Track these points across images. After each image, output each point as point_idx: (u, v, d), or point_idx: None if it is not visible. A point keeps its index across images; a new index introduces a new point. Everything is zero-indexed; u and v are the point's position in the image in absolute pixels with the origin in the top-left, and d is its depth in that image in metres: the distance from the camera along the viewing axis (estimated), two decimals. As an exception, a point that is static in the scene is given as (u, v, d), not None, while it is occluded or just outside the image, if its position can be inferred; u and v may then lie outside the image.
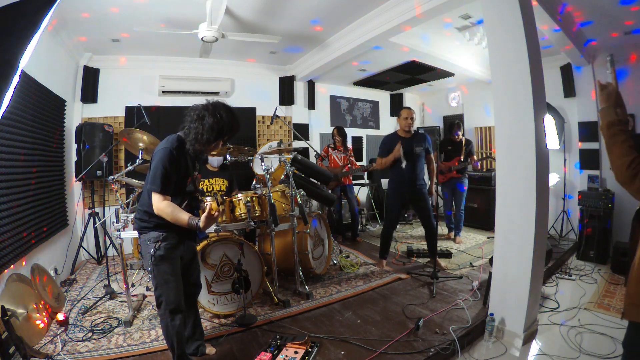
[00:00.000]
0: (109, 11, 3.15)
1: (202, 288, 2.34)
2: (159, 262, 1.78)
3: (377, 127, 6.97)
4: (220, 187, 3.44)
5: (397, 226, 5.63)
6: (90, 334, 2.37)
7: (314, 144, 5.92)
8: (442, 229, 4.79)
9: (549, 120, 4.03)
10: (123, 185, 3.49)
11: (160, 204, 1.69)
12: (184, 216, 1.68)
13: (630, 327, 1.23)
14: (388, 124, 7.08)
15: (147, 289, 3.17)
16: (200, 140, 1.75)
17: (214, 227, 2.53)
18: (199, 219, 1.66)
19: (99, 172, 3.78)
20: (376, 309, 2.74)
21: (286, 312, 2.69)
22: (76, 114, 4.20)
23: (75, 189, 4.08)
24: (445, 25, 3.74)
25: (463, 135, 4.68)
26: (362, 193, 6.27)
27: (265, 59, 5.08)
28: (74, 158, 3.98)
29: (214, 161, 3.48)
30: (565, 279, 3.44)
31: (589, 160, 4.54)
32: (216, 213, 1.63)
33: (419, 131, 3.75)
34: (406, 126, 3.48)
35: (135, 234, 2.91)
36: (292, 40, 4.21)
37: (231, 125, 1.81)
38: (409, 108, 3.57)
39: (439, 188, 4.81)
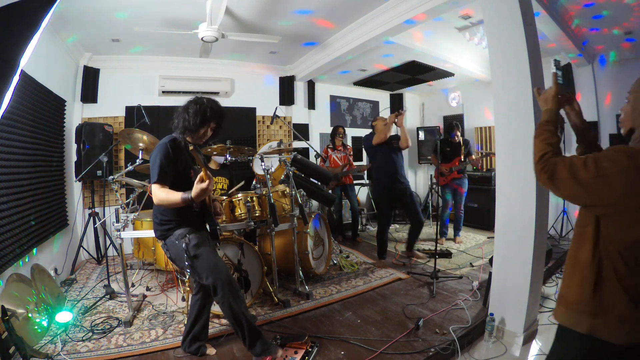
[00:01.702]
0: (108, 11, 3.15)
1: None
2: (197, 250, 1.84)
3: (377, 127, 6.96)
4: (223, 185, 3.44)
5: (397, 226, 5.65)
6: (90, 334, 2.37)
7: (314, 144, 5.92)
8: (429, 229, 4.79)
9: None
10: (123, 186, 3.49)
11: (157, 191, 1.75)
12: (177, 195, 1.72)
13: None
14: (388, 124, 7.07)
15: (147, 289, 3.17)
16: (189, 127, 1.84)
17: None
18: (191, 192, 1.68)
19: (99, 172, 3.78)
20: (376, 309, 2.74)
21: (286, 312, 2.69)
22: (76, 114, 4.20)
23: (75, 189, 4.08)
24: (445, 25, 3.74)
25: (462, 136, 4.70)
26: (362, 193, 6.27)
27: (265, 59, 5.08)
28: (74, 158, 3.98)
29: (219, 159, 3.49)
30: (565, 279, 3.44)
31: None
32: (207, 181, 1.64)
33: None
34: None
35: (136, 233, 2.96)
36: (292, 40, 4.21)
37: (214, 108, 1.88)
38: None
39: (439, 189, 4.81)
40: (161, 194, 1.75)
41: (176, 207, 1.82)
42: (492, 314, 2.38)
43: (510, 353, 2.23)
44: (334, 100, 6.40)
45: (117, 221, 2.60)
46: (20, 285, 2.37)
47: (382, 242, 3.76)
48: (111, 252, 4.08)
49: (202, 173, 1.62)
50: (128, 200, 3.08)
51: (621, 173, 0.91)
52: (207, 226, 2.06)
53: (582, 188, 0.99)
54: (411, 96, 7.16)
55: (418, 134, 6.70)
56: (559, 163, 1.05)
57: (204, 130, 1.90)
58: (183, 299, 2.72)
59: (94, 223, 3.97)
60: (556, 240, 4.60)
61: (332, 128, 4.99)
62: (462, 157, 4.56)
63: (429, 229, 5.54)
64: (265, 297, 2.94)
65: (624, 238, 0.95)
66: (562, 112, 1.32)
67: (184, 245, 1.82)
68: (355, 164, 5.29)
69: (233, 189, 2.88)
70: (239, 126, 5.15)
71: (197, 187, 1.64)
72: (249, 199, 2.76)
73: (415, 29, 3.59)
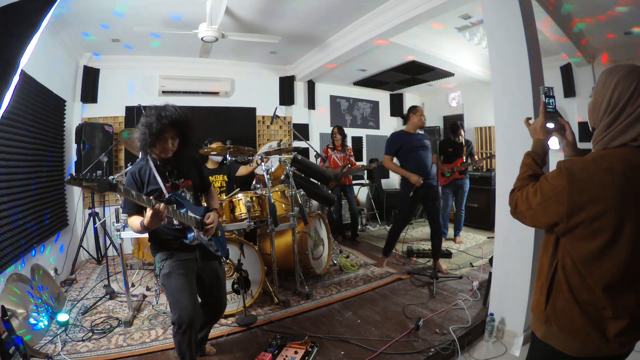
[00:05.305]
0: (108, 11, 3.15)
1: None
2: (165, 280, 1.78)
3: (377, 127, 6.97)
4: (221, 183, 3.44)
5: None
6: (90, 334, 2.38)
7: (314, 144, 5.92)
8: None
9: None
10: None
11: (128, 220, 1.76)
12: (137, 222, 1.68)
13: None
14: (388, 124, 7.08)
15: (147, 288, 3.17)
16: (143, 145, 1.72)
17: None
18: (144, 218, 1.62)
19: (99, 172, 3.76)
20: (376, 309, 2.74)
21: (286, 312, 2.69)
22: (76, 114, 4.20)
23: (75, 189, 4.08)
24: (445, 25, 3.74)
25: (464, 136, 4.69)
26: (362, 193, 6.26)
27: (265, 59, 5.08)
28: (74, 158, 3.98)
29: (218, 158, 3.48)
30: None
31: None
32: (162, 211, 1.58)
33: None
34: (425, 122, 3.48)
35: (136, 233, 2.95)
36: (292, 40, 4.21)
37: (161, 117, 1.66)
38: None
39: (440, 189, 4.81)
40: (129, 221, 1.76)
41: (154, 230, 1.75)
42: (492, 314, 2.38)
43: (510, 353, 2.23)
44: (334, 100, 6.40)
45: (117, 221, 2.60)
46: (20, 285, 2.37)
47: (391, 240, 3.65)
48: (111, 252, 4.08)
49: (161, 205, 1.58)
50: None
51: (561, 194, 0.96)
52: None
53: (537, 214, 1.04)
54: (411, 96, 7.16)
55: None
56: (519, 197, 1.10)
57: (161, 145, 1.71)
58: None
59: (94, 223, 3.97)
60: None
61: (336, 127, 4.91)
62: (465, 157, 4.55)
63: (428, 229, 5.53)
64: (265, 297, 2.94)
65: (579, 251, 0.97)
66: (556, 142, 1.30)
67: (158, 270, 1.81)
68: (357, 164, 5.29)
69: (231, 194, 2.86)
70: (239, 126, 5.16)
71: (150, 217, 1.57)
72: (248, 199, 2.76)
73: (415, 29, 3.58)
